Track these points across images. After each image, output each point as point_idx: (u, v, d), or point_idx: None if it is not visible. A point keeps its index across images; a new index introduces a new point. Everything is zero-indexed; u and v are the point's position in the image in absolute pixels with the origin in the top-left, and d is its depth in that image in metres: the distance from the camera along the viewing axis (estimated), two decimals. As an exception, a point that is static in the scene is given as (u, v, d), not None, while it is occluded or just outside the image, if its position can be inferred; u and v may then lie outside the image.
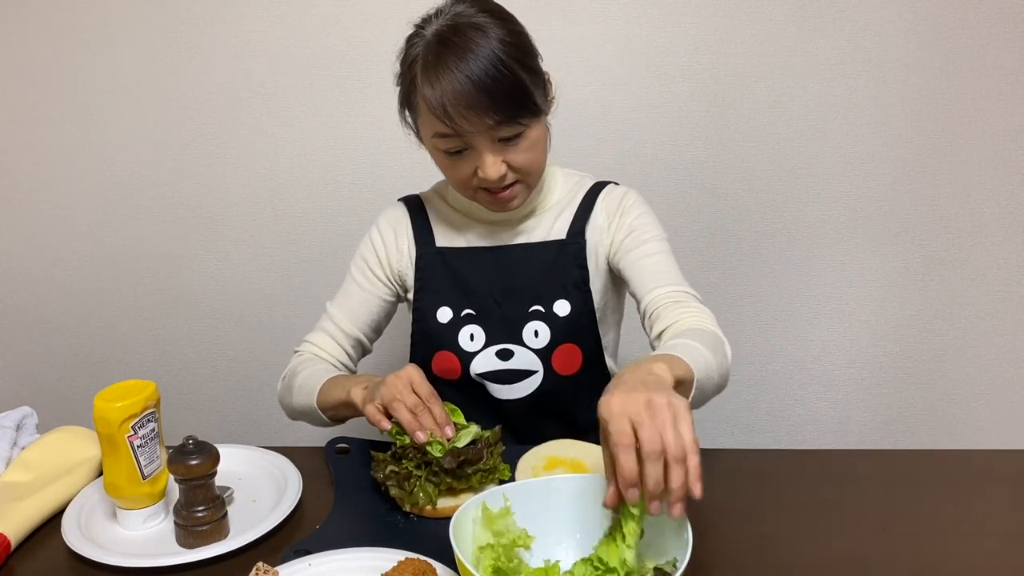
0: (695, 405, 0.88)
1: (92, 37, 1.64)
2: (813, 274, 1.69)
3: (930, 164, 1.61)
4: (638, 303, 1.10)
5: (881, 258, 1.67)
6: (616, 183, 1.21)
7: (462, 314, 1.13)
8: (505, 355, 1.13)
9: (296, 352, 1.21)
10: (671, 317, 1.02)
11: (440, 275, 1.16)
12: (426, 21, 1.02)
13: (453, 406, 1.00)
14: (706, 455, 1.09)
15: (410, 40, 1.03)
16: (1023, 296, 1.67)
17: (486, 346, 1.13)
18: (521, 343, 1.12)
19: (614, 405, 0.73)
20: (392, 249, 1.19)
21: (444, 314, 1.14)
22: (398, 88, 1.06)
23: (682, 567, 0.72)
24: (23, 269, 1.79)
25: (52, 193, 1.74)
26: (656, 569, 0.76)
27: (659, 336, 1.02)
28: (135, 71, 1.65)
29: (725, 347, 0.99)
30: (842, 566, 0.83)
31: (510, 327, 1.13)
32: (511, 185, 1.06)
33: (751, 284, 1.70)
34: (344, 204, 1.70)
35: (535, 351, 1.12)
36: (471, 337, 1.13)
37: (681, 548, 0.75)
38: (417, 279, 1.17)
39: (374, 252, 1.19)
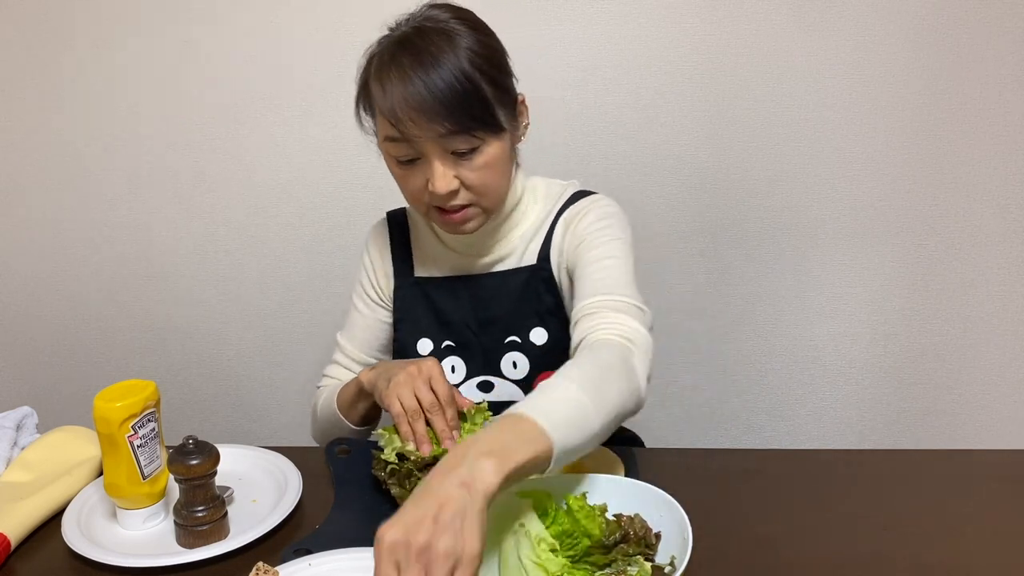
0: (571, 454, 0.77)
1: (93, 38, 1.64)
2: (813, 274, 1.69)
3: (930, 164, 1.61)
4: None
5: (881, 258, 1.67)
6: (591, 192, 1.13)
7: (442, 346, 1.12)
8: (486, 387, 1.11)
9: (318, 388, 1.22)
10: (585, 329, 0.93)
11: (419, 306, 1.14)
12: (398, 24, 1.00)
13: (482, 405, 0.98)
14: (706, 455, 1.10)
15: (379, 42, 1.00)
16: (1023, 296, 1.67)
17: (467, 378, 1.11)
18: (500, 375, 1.10)
19: (387, 538, 0.63)
20: (380, 274, 1.18)
21: (424, 346, 1.13)
22: (356, 86, 1.02)
23: (682, 567, 0.72)
24: (23, 269, 1.79)
25: (52, 193, 1.74)
26: (656, 569, 0.76)
27: (575, 349, 0.93)
28: (136, 72, 1.65)
29: (631, 372, 0.87)
30: (842, 566, 0.83)
31: (488, 359, 1.11)
32: (465, 207, 1.00)
33: (751, 284, 1.70)
34: (345, 205, 1.70)
35: (515, 382, 1.10)
36: (452, 369, 1.11)
37: (681, 548, 0.75)
38: (396, 310, 1.16)
39: (367, 277, 1.19)
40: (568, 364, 0.85)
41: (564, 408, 0.76)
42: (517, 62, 1.57)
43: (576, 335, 0.94)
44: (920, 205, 1.63)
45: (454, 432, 0.93)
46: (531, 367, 1.10)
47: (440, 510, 0.63)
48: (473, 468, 0.66)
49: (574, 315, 0.97)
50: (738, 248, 1.68)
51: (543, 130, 1.61)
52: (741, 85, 1.58)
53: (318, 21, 1.60)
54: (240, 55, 1.63)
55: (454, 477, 0.66)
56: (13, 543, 0.89)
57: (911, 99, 1.58)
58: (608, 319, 0.92)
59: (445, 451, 0.91)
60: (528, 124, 1.08)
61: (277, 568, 0.81)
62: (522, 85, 1.66)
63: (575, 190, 1.14)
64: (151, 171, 1.71)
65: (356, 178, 1.68)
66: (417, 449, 0.92)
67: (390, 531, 0.63)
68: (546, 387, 0.79)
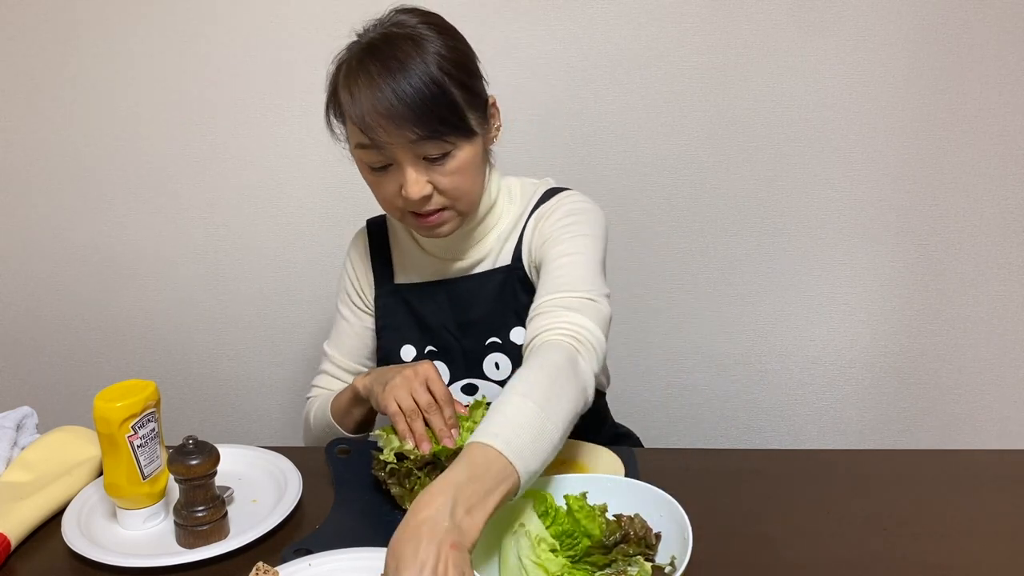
0: (540, 469, 0.79)
1: (93, 38, 1.63)
2: (813, 274, 1.69)
3: (930, 164, 1.61)
4: None
5: (881, 258, 1.67)
6: (563, 189, 1.13)
7: (425, 351, 1.12)
8: (470, 390, 1.12)
9: (307, 399, 1.22)
10: (535, 328, 0.94)
11: (400, 313, 1.14)
12: (366, 30, 1.00)
13: (482, 400, 0.98)
14: (706, 455, 1.10)
15: (348, 48, 1.00)
16: (1023, 296, 1.67)
17: (451, 382, 1.12)
18: (484, 377, 1.11)
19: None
20: (364, 281, 1.19)
21: (408, 352, 1.13)
22: (325, 93, 1.02)
23: (682, 567, 0.72)
24: (23, 269, 1.79)
25: (52, 193, 1.74)
26: (656, 569, 0.76)
27: (525, 349, 0.94)
28: (136, 72, 1.65)
29: (579, 374, 0.87)
30: (842, 566, 0.83)
31: (471, 362, 1.11)
32: (439, 210, 1.01)
33: (751, 284, 1.70)
34: (345, 204, 1.70)
35: (499, 383, 1.10)
36: None
37: (681, 548, 0.75)
38: (379, 318, 1.16)
39: (351, 284, 1.20)
40: (519, 375, 0.85)
41: (526, 431, 0.78)
42: (516, 63, 1.58)
43: (527, 334, 0.95)
44: (920, 205, 1.63)
45: (452, 431, 0.93)
46: (513, 367, 1.09)
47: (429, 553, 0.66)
48: (460, 526, 0.69)
49: (529, 313, 0.97)
50: (738, 248, 1.68)
51: (543, 131, 1.62)
52: (741, 85, 1.58)
53: (319, 21, 1.60)
54: (240, 55, 1.63)
55: (446, 539, 0.67)
56: (13, 543, 0.89)
57: (911, 99, 1.58)
58: (559, 318, 0.92)
59: (445, 448, 0.91)
60: (500, 126, 1.07)
61: (277, 568, 0.81)
62: (522, 86, 1.67)
63: (547, 188, 1.14)
64: (151, 171, 1.71)
65: (357, 177, 1.67)
66: (416, 448, 0.92)
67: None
68: (504, 407, 0.80)
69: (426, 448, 0.91)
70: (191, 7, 1.61)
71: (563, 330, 0.91)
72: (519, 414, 0.79)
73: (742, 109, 1.60)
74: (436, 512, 0.69)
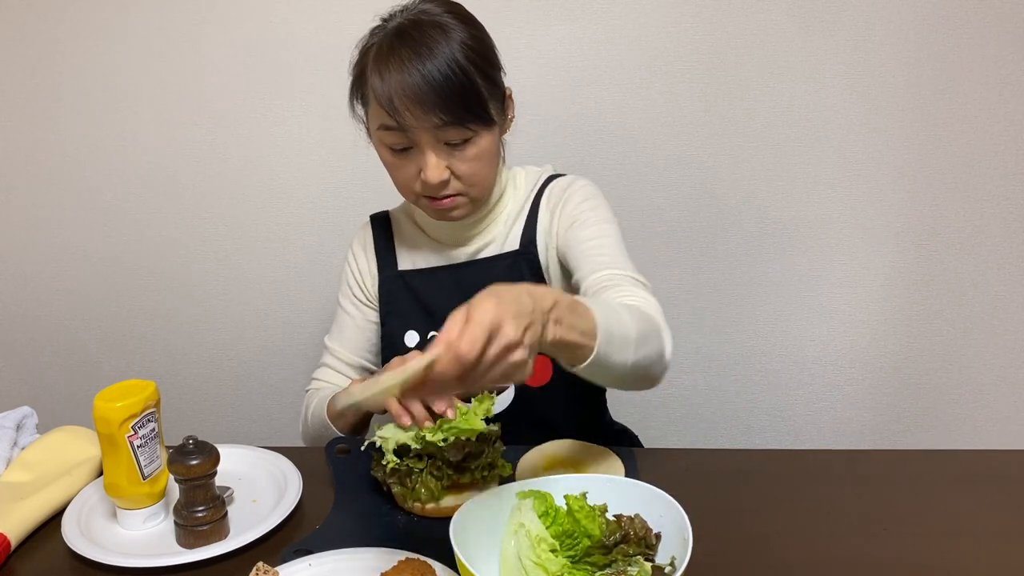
0: (596, 369, 0.81)
1: (93, 38, 1.64)
2: (813, 274, 1.69)
3: (930, 164, 1.61)
4: (578, 289, 1.04)
5: (881, 258, 1.67)
6: (563, 175, 1.16)
7: (429, 337, 1.13)
8: None
9: (306, 392, 1.22)
10: (620, 295, 0.96)
11: (404, 299, 1.15)
12: (391, 15, 1.03)
13: (488, 396, 0.97)
14: (706, 455, 1.10)
15: (372, 32, 1.03)
16: (1023, 296, 1.67)
17: None
18: None
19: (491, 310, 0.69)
20: (366, 273, 1.20)
21: (412, 338, 1.14)
22: (350, 76, 1.05)
23: (682, 567, 0.72)
24: (23, 269, 1.79)
25: (52, 193, 1.74)
26: (656, 569, 0.76)
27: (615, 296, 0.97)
28: (136, 71, 1.65)
29: (662, 334, 0.92)
30: (842, 566, 0.83)
31: None
32: (454, 195, 1.03)
33: (751, 284, 1.70)
34: (345, 204, 1.70)
35: None
36: None
37: (681, 548, 0.75)
38: (383, 304, 1.17)
39: (353, 278, 1.21)
40: (631, 303, 0.89)
41: (617, 337, 0.81)
42: (517, 62, 1.58)
43: (609, 296, 0.97)
44: (920, 205, 1.63)
45: (448, 410, 0.91)
46: None
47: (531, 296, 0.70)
48: (543, 326, 0.71)
49: (588, 286, 1.00)
50: (738, 248, 1.68)
51: (543, 130, 1.62)
52: (741, 85, 1.58)
53: (318, 21, 1.60)
54: (240, 55, 1.63)
55: (537, 319, 0.70)
56: (13, 543, 0.89)
57: (911, 99, 1.58)
58: (636, 292, 0.96)
59: (446, 437, 0.90)
60: (513, 117, 1.10)
61: (277, 568, 0.81)
62: (522, 85, 1.66)
63: (549, 174, 1.17)
64: (151, 171, 1.71)
65: (357, 177, 1.68)
66: (418, 426, 0.90)
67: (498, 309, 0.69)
68: (612, 307, 0.84)
69: (429, 424, 0.90)
70: (191, 7, 1.61)
71: (652, 304, 0.95)
72: (622, 319, 0.83)
73: (742, 109, 1.60)
74: (545, 295, 0.72)
